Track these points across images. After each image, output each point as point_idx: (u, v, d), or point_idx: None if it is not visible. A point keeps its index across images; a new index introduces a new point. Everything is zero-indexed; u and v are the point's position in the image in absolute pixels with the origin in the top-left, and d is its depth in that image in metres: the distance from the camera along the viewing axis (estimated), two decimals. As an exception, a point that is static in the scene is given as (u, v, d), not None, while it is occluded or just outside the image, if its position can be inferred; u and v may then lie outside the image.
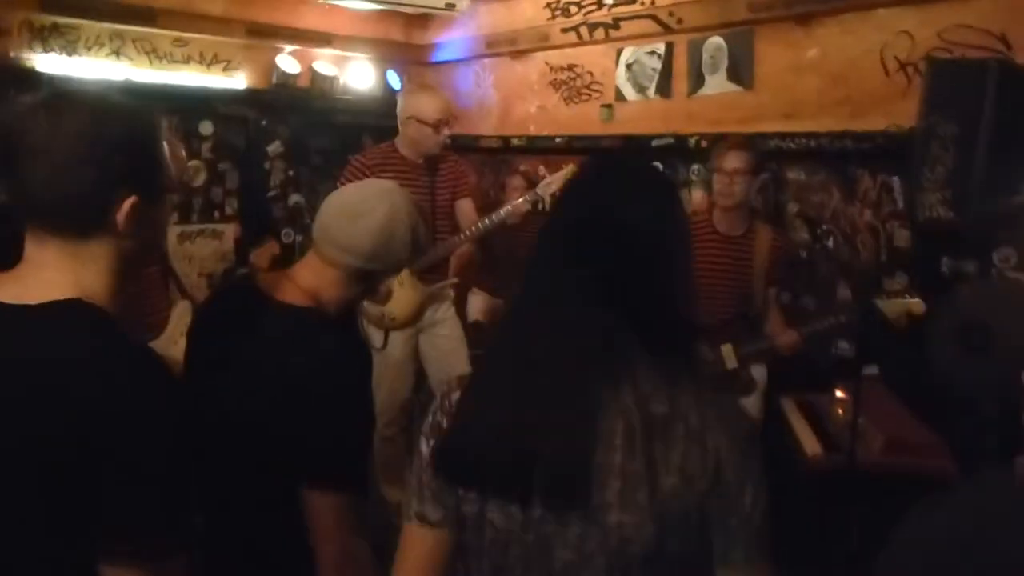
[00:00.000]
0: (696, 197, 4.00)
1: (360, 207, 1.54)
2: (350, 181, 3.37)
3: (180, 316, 2.73)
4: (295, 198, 3.75)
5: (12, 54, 3.89)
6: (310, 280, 1.53)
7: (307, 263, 1.57)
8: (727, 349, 3.09)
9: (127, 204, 1.06)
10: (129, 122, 1.09)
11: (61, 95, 1.07)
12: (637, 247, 1.03)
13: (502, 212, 3.37)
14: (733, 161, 3.02)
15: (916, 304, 2.83)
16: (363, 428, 1.51)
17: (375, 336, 3.49)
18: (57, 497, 0.95)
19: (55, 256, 1.06)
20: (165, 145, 1.16)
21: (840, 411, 2.76)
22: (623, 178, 1.11)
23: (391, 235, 1.54)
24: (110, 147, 1.04)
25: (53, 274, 1.05)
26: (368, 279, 1.59)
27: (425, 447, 1.11)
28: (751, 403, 3.19)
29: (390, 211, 1.55)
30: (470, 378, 1.12)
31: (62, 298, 1.03)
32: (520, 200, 3.37)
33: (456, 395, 1.11)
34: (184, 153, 2.94)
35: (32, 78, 3.89)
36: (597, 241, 1.03)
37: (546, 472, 0.97)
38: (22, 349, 0.99)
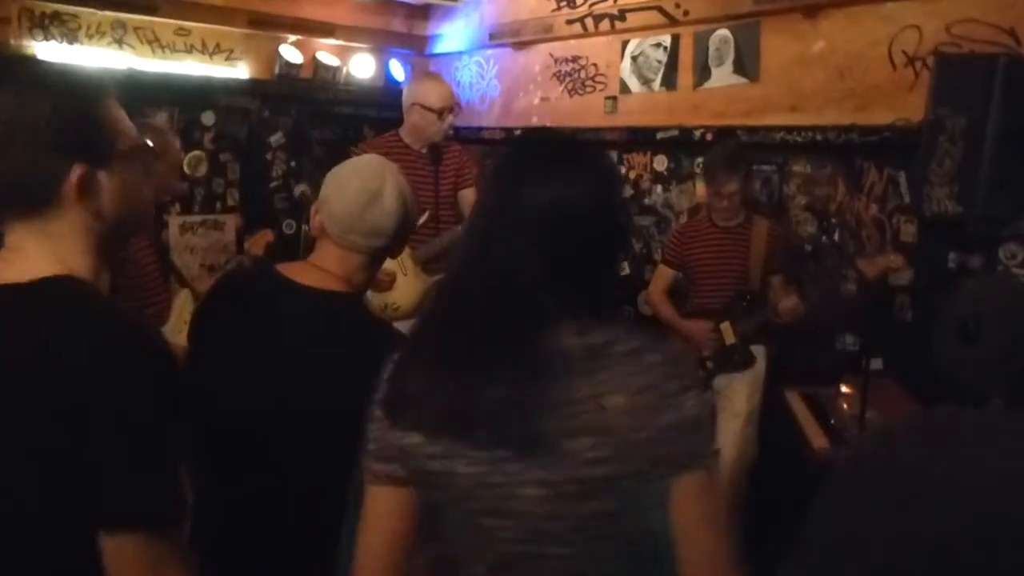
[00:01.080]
0: (700, 189, 3.99)
1: (370, 190, 1.54)
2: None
3: (182, 305, 2.73)
4: (301, 187, 3.74)
5: (12, 42, 3.86)
6: (339, 267, 1.54)
7: (327, 252, 1.56)
8: (726, 326, 3.28)
9: (75, 175, 1.04)
10: (61, 92, 1.05)
11: (1, 75, 1.06)
12: (566, 228, 1.06)
13: None
14: (728, 186, 3.22)
15: (894, 260, 2.99)
16: None
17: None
18: (52, 467, 0.96)
19: (29, 237, 1.05)
20: (114, 110, 1.12)
21: (845, 405, 2.75)
22: (540, 157, 1.13)
23: (406, 208, 1.58)
24: (47, 115, 1.02)
25: (34, 254, 1.05)
26: (383, 258, 1.62)
27: (380, 412, 1.11)
28: (743, 388, 3.28)
29: (396, 186, 1.57)
30: (410, 336, 1.16)
31: (50, 275, 1.03)
32: None
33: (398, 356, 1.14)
34: (177, 143, 2.91)
35: (13, 59, 3.86)
36: (526, 224, 1.05)
37: (491, 409, 1.00)
38: (13, 326, 1.00)
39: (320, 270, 1.54)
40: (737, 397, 3.30)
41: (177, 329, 2.63)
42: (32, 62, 1.11)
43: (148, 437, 0.99)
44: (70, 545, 0.99)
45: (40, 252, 1.05)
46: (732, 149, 3.31)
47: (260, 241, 3.14)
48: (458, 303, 1.09)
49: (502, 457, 1.02)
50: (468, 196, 3.51)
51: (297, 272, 1.54)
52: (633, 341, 1.04)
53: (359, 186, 1.55)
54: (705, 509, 1.02)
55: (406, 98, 3.40)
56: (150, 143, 1.23)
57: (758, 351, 3.33)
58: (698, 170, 4.00)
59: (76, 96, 1.07)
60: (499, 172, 1.14)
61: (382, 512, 1.12)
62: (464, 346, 1.04)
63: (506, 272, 1.04)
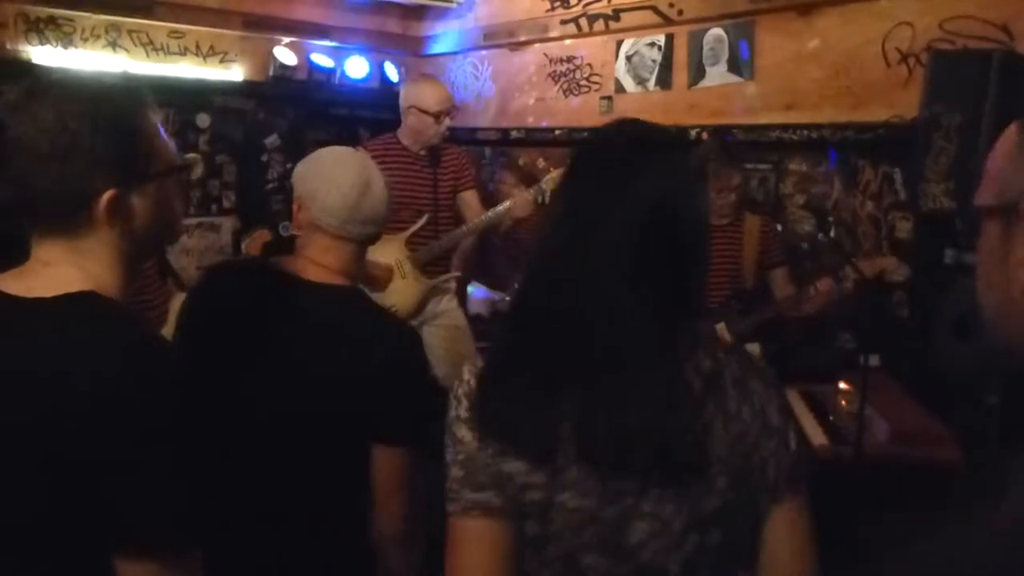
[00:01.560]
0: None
1: (363, 179, 1.58)
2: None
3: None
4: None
5: (8, 46, 3.86)
6: (335, 261, 1.57)
7: (322, 246, 1.58)
8: (721, 327, 3.24)
9: (105, 198, 1.02)
10: (99, 111, 1.03)
11: (41, 86, 1.03)
12: (668, 229, 1.00)
13: (507, 205, 3.35)
14: (733, 180, 3.18)
15: (890, 261, 3.05)
16: (430, 390, 1.62)
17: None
18: (72, 485, 0.94)
19: (58, 251, 1.05)
20: (151, 127, 1.11)
21: (844, 402, 2.76)
22: (642, 150, 1.05)
23: (389, 190, 1.64)
24: (77, 139, 1.00)
25: (60, 268, 1.04)
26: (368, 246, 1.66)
27: (468, 433, 1.02)
28: None
29: (375, 170, 1.63)
30: (497, 348, 1.08)
31: (74, 291, 1.02)
32: (525, 193, 3.36)
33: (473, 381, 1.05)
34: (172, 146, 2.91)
35: (27, 72, 3.86)
36: (625, 224, 0.99)
37: (655, 443, 0.94)
38: (32, 342, 0.99)
39: (319, 265, 1.56)
40: None
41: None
42: (72, 76, 1.08)
43: (167, 460, 0.98)
44: (88, 568, 0.98)
45: (67, 266, 1.04)
46: (725, 145, 3.30)
47: (258, 241, 3.14)
48: (560, 318, 0.99)
49: (622, 490, 0.97)
50: (469, 198, 3.51)
51: (299, 268, 1.55)
52: (735, 367, 1.02)
53: (351, 177, 1.58)
54: (799, 536, 1.02)
55: (403, 100, 3.40)
56: (186, 159, 1.23)
57: (752, 349, 3.33)
58: (694, 169, 4.00)
59: (115, 116, 1.05)
60: (588, 166, 1.07)
61: (474, 549, 1.00)
62: (581, 364, 0.98)
63: (617, 279, 0.98)
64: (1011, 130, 0.80)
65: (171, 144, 1.14)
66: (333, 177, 1.57)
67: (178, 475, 0.99)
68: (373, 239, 1.64)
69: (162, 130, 1.13)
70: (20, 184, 1.01)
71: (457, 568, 1.00)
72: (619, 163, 1.02)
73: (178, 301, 2.75)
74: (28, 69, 3.86)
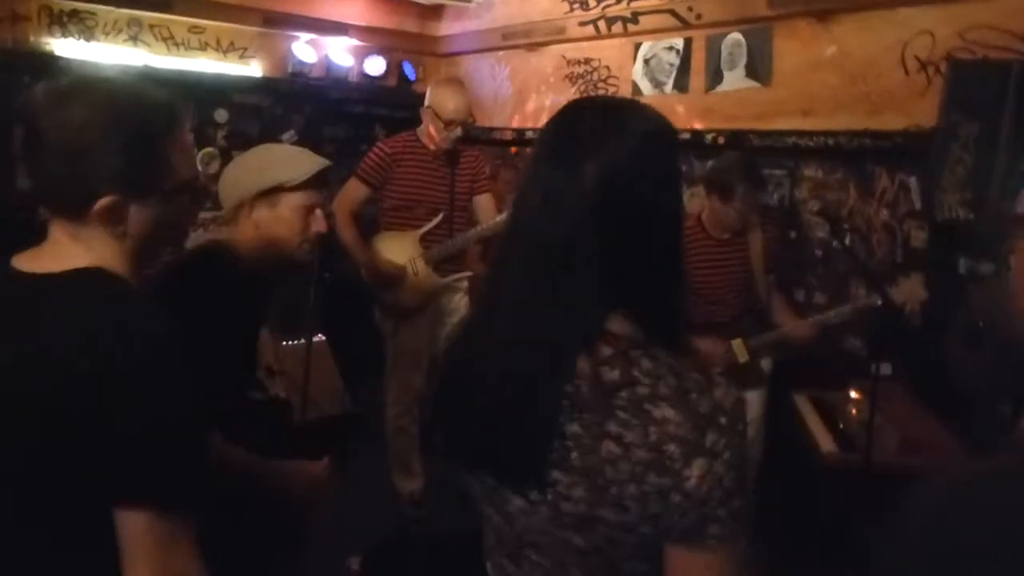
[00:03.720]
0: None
1: None
2: (370, 167, 3.39)
3: None
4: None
5: (31, 39, 3.90)
6: None
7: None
8: (737, 344, 3.18)
9: (104, 202, 1.09)
10: (129, 120, 1.09)
11: (78, 87, 1.10)
12: (622, 213, 0.93)
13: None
14: (751, 198, 3.07)
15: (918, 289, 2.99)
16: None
17: (386, 324, 3.50)
18: (72, 445, 1.00)
19: (69, 234, 1.12)
20: (178, 144, 1.16)
21: (854, 411, 2.76)
22: (593, 125, 0.97)
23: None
24: (99, 142, 1.06)
25: (71, 248, 1.11)
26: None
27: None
28: (755, 397, 3.25)
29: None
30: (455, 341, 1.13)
31: (83, 266, 1.09)
32: None
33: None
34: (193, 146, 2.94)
35: (50, 64, 3.91)
36: (569, 208, 0.93)
37: (503, 450, 0.97)
38: (39, 311, 1.05)
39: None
40: (751, 410, 3.23)
41: None
42: (112, 82, 1.14)
43: (172, 418, 1.04)
44: (89, 523, 1.04)
45: (76, 246, 1.12)
46: (745, 161, 3.17)
47: None
48: (482, 306, 1.04)
49: (498, 487, 1.02)
50: (484, 201, 3.52)
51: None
52: (651, 386, 0.92)
53: None
54: None
55: (426, 98, 3.41)
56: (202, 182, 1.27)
57: (764, 363, 3.30)
58: (709, 173, 4.00)
59: (137, 130, 1.10)
60: (540, 144, 1.00)
61: None
62: (480, 360, 1.02)
63: (537, 265, 0.95)
64: None
65: (195, 161, 1.20)
66: None
67: (176, 436, 1.04)
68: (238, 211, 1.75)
69: (190, 147, 1.19)
70: (41, 175, 1.10)
71: None
72: (567, 139, 0.97)
73: None
74: (55, 64, 3.90)
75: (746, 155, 3.25)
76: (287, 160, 1.76)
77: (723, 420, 0.91)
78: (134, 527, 1.02)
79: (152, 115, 1.13)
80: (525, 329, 0.96)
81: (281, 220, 1.73)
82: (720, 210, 3.12)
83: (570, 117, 1.00)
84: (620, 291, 0.95)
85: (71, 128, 1.06)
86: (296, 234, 1.74)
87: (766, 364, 3.32)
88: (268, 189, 1.72)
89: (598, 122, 0.96)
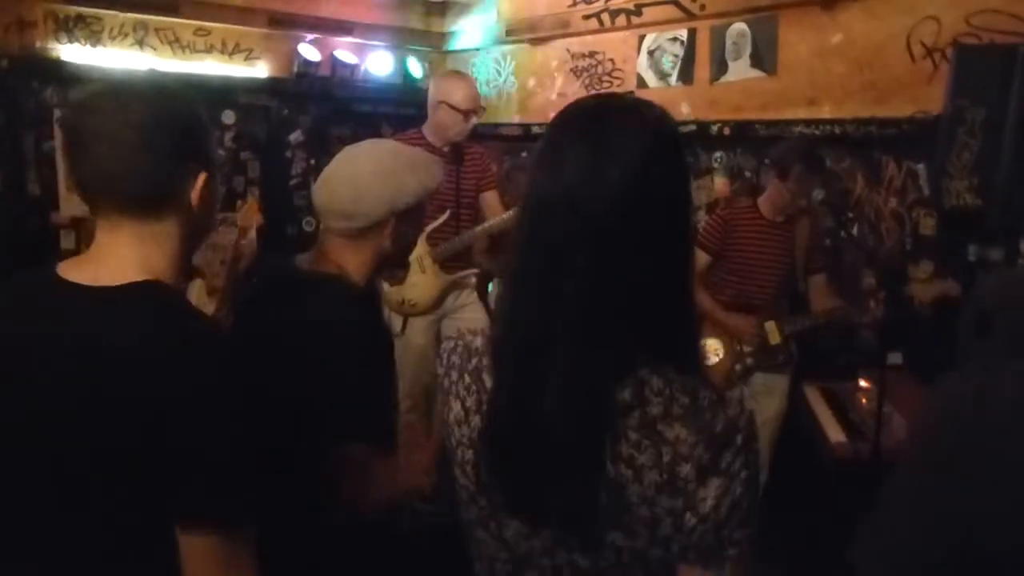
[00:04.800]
0: (719, 184, 3.99)
1: (340, 175, 1.62)
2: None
3: (197, 295, 2.79)
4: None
5: (38, 44, 3.93)
6: (332, 253, 1.63)
7: (322, 241, 1.67)
8: (771, 325, 3.22)
9: (200, 179, 1.13)
10: (186, 103, 1.14)
11: (121, 82, 1.11)
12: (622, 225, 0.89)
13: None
14: (809, 188, 3.16)
15: (951, 286, 2.89)
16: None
17: (395, 322, 3.51)
18: (135, 468, 0.99)
19: (127, 239, 1.10)
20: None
21: (864, 400, 2.75)
22: (590, 138, 0.91)
23: (382, 186, 1.59)
24: (177, 127, 1.10)
25: (125, 256, 1.09)
26: (373, 239, 1.63)
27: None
28: (781, 382, 3.25)
29: (373, 165, 1.61)
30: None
31: (138, 280, 1.07)
32: None
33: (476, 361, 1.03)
34: None
35: (57, 69, 3.94)
36: (572, 222, 0.89)
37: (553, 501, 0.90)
38: (100, 329, 1.03)
39: (321, 255, 1.63)
40: (776, 397, 3.26)
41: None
42: (138, 76, 1.16)
43: (232, 439, 1.03)
44: (151, 539, 1.02)
45: (130, 253, 1.10)
46: (807, 145, 3.19)
47: (248, 213, 3.16)
48: (504, 319, 0.97)
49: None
50: (490, 199, 3.53)
51: (303, 260, 1.65)
52: (664, 406, 0.88)
53: (331, 174, 1.63)
54: None
55: (433, 95, 3.40)
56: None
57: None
58: (716, 164, 3.99)
59: (199, 111, 1.16)
60: (538, 156, 0.95)
61: None
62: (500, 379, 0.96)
63: (547, 278, 0.90)
64: None
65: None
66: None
67: (241, 456, 1.04)
68: (348, 232, 1.60)
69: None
70: (113, 171, 1.07)
71: None
72: (576, 139, 0.91)
73: (194, 288, 2.81)
74: (62, 69, 3.93)
75: (809, 144, 3.23)
76: (422, 165, 1.67)
77: (739, 439, 0.88)
78: (198, 547, 1.01)
79: (188, 98, 1.16)
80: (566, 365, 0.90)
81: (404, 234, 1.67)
82: (777, 188, 3.16)
83: (593, 126, 0.93)
84: (634, 308, 0.90)
85: (139, 119, 1.06)
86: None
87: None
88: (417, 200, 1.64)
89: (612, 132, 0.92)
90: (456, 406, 1.03)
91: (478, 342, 1.04)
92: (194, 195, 1.12)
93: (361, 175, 1.59)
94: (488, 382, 0.99)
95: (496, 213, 3.46)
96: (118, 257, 1.09)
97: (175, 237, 1.13)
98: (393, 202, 1.59)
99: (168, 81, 1.16)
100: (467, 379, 1.02)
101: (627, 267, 0.89)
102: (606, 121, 0.92)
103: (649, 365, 0.90)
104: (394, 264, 1.78)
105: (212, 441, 1.01)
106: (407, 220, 1.65)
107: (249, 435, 1.04)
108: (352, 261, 1.62)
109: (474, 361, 1.02)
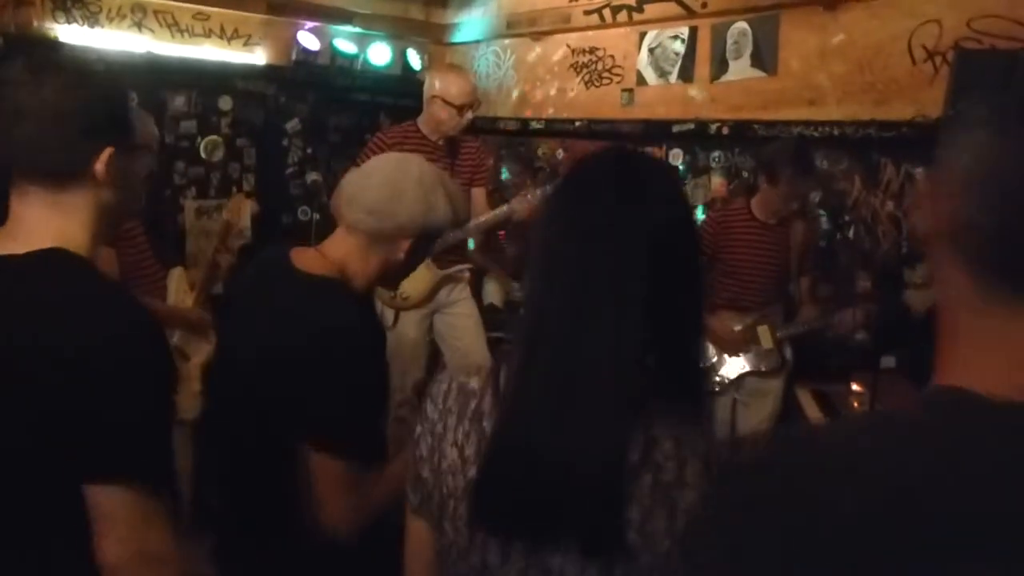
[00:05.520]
0: (716, 184, 3.97)
1: (389, 177, 1.56)
2: (368, 159, 3.37)
3: (177, 282, 2.76)
4: (312, 176, 3.76)
5: (36, 24, 3.90)
6: (337, 251, 1.56)
7: (333, 235, 1.60)
8: (763, 330, 3.19)
9: (104, 154, 1.14)
10: (102, 83, 1.18)
11: (39, 60, 1.14)
12: (659, 261, 0.90)
13: (508, 208, 3.34)
14: (800, 191, 3.13)
15: None
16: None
17: (387, 315, 3.49)
18: (45, 426, 1.02)
19: (37, 208, 1.13)
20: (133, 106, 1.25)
21: (856, 404, 2.74)
22: (628, 174, 0.95)
23: (426, 201, 1.55)
24: (87, 103, 1.13)
25: (35, 226, 1.12)
26: (388, 247, 1.58)
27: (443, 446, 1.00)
28: (776, 387, 3.26)
29: (419, 180, 1.56)
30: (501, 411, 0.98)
31: (44, 247, 1.10)
32: (528, 196, 3.34)
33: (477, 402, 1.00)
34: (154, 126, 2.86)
35: (54, 50, 3.91)
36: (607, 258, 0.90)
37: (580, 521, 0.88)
38: (17, 294, 1.06)
39: (319, 254, 1.56)
40: (770, 400, 3.27)
41: (179, 302, 2.73)
42: (65, 54, 1.20)
43: (145, 399, 1.07)
44: (60, 496, 1.04)
45: (41, 223, 1.13)
46: (797, 148, 3.14)
47: (236, 207, 3.13)
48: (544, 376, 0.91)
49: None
50: (477, 196, 3.49)
51: (299, 256, 1.55)
52: (677, 469, 0.87)
53: (375, 169, 1.60)
54: None
55: (428, 89, 3.38)
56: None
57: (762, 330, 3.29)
58: (714, 164, 3.98)
59: (111, 89, 1.20)
60: (575, 196, 0.96)
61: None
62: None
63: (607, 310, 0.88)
64: None
65: (153, 128, 1.27)
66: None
67: (150, 419, 1.08)
68: (384, 236, 1.55)
69: (145, 114, 1.27)
70: (23, 143, 1.11)
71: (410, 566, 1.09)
72: (614, 189, 0.93)
73: (175, 276, 2.78)
74: (71, 53, 3.90)
75: (797, 146, 3.19)
76: (459, 199, 1.66)
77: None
78: (109, 502, 1.04)
79: (115, 79, 1.26)
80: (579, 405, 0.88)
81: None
82: (767, 192, 3.14)
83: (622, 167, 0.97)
84: (651, 343, 0.90)
85: (50, 94, 1.10)
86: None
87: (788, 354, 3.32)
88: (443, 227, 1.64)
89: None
90: (452, 454, 0.99)
91: (473, 383, 1.01)
92: (98, 167, 1.14)
93: (407, 179, 1.56)
94: (488, 428, 0.96)
95: (482, 211, 3.44)
96: (27, 227, 1.13)
97: (85, 208, 1.15)
98: (426, 217, 1.56)
99: (90, 58, 1.20)
100: (466, 425, 0.98)
101: (655, 301, 0.88)
102: (634, 164, 0.97)
103: (661, 419, 0.89)
104: (389, 283, 1.74)
105: (114, 397, 1.03)
106: (425, 243, 1.62)
107: (153, 396, 1.08)
108: (357, 265, 1.56)
109: (473, 404, 0.99)
